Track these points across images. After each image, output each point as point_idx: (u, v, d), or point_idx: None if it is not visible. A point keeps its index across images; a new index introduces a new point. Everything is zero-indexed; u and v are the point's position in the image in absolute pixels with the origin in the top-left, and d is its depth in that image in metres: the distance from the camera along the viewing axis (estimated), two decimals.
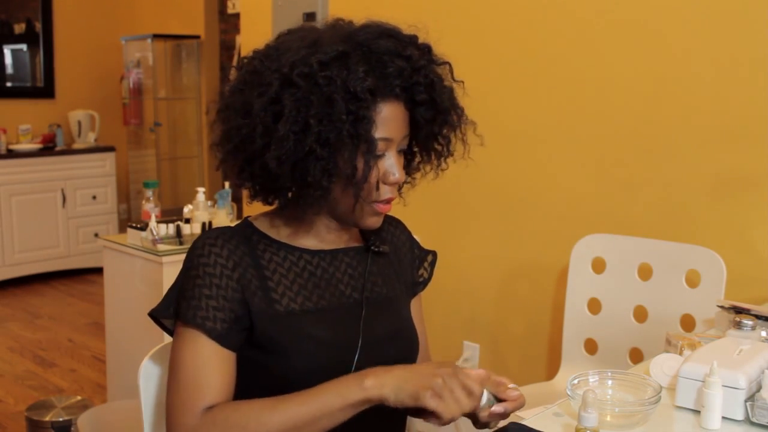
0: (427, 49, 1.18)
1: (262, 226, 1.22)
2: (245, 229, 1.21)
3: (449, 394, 1.02)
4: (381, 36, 1.14)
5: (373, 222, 1.19)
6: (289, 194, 1.18)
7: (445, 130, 1.21)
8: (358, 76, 1.08)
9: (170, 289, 1.17)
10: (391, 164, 1.15)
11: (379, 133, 1.12)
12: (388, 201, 1.18)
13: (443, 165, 1.26)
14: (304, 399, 1.04)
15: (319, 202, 1.14)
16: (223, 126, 1.16)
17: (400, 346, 1.25)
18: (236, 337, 1.13)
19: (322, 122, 1.07)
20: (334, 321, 1.18)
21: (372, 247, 1.27)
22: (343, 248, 1.25)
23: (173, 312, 1.15)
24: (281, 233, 1.21)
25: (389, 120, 1.13)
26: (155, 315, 1.18)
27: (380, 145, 1.13)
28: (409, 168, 1.27)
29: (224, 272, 1.13)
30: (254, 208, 1.25)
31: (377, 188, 1.15)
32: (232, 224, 3.11)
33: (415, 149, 1.25)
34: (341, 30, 1.16)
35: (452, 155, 1.26)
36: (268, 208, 1.26)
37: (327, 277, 1.21)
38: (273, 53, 1.14)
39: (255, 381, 1.15)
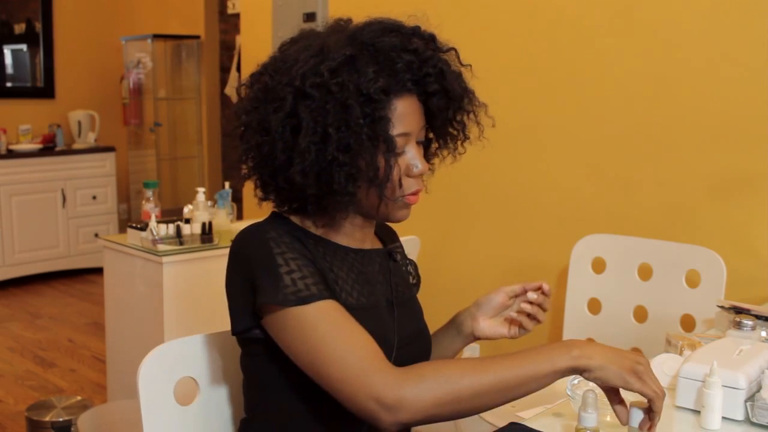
0: (431, 39, 1.19)
1: (298, 222, 1.21)
2: (285, 224, 1.19)
3: (650, 379, 1.04)
4: (384, 33, 1.14)
5: (403, 215, 1.20)
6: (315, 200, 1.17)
7: (459, 116, 1.22)
8: (369, 77, 1.08)
9: (266, 277, 1.09)
10: (412, 157, 1.16)
11: (396, 129, 1.12)
12: (416, 192, 1.19)
13: (460, 149, 1.27)
14: (515, 362, 1.05)
15: (346, 206, 1.15)
16: (243, 145, 1.16)
17: (422, 346, 1.27)
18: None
19: (341, 129, 1.08)
20: (378, 318, 1.19)
21: (391, 252, 1.30)
22: (373, 249, 1.27)
23: (284, 298, 1.07)
24: (317, 231, 1.21)
25: (405, 115, 1.14)
26: (277, 303, 1.07)
27: (399, 142, 1.14)
28: (427, 154, 1.27)
29: (302, 250, 1.13)
30: (257, 209, 1.24)
31: (400, 185, 1.15)
32: (232, 224, 3.09)
33: (431, 136, 1.26)
34: (343, 31, 1.16)
35: (468, 139, 1.26)
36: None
37: (368, 275, 1.22)
38: (281, 66, 1.13)
39: (291, 370, 1.11)
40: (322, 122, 1.07)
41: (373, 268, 1.24)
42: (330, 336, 1.06)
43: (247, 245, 1.13)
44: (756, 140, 2.04)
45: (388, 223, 1.35)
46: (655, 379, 1.05)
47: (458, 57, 1.23)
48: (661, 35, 2.21)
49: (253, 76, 1.18)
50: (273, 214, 1.22)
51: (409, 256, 1.41)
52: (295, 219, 1.21)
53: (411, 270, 1.39)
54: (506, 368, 1.04)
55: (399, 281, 1.29)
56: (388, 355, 1.13)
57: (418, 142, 1.19)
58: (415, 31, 1.18)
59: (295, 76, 1.09)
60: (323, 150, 1.08)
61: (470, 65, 1.25)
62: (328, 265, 1.16)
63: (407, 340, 1.21)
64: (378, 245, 1.30)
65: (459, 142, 1.27)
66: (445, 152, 1.28)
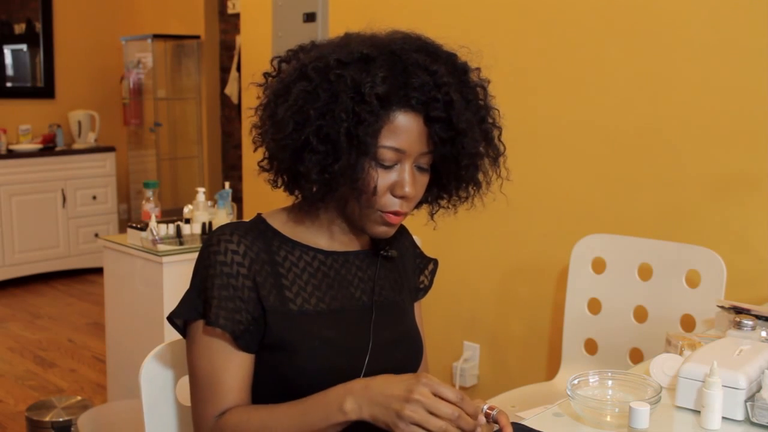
0: (462, 70, 1.16)
1: (275, 223, 1.21)
2: (259, 225, 1.20)
3: (426, 417, 0.97)
4: (418, 50, 1.12)
5: (381, 231, 1.17)
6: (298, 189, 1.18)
7: (462, 157, 1.15)
8: (374, 80, 1.06)
9: (190, 291, 1.16)
10: (402, 176, 1.12)
11: (388, 141, 1.09)
12: (397, 213, 1.14)
13: (470, 197, 1.25)
14: (293, 417, 1.05)
15: (316, 196, 1.14)
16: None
17: (406, 351, 1.26)
18: (253, 338, 1.13)
19: (325, 117, 1.07)
20: (344, 323, 1.18)
21: (382, 252, 1.27)
22: (355, 251, 1.25)
23: (201, 314, 1.13)
24: (295, 231, 1.21)
25: (402, 131, 1.10)
26: (178, 318, 1.16)
27: (389, 155, 1.10)
28: (440, 193, 1.26)
29: (240, 272, 1.12)
30: (257, 209, 1.24)
31: (375, 192, 1.11)
32: None
33: (445, 179, 1.22)
34: (380, 38, 1.14)
35: (478, 187, 1.24)
36: (278, 205, 1.26)
37: (339, 278, 1.21)
38: (311, 49, 1.16)
39: (263, 381, 1.15)
40: (309, 104, 1.08)
41: (349, 271, 1.22)
42: (201, 368, 1.12)
43: (200, 252, 1.17)
44: (756, 140, 2.04)
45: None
46: (432, 419, 0.96)
47: (485, 96, 1.19)
48: (661, 35, 2.21)
49: (291, 51, 1.20)
50: (258, 215, 1.23)
51: None
52: (274, 220, 1.21)
53: (427, 273, 1.39)
54: (286, 425, 1.05)
55: (386, 284, 1.27)
56: (360, 360, 1.14)
57: (420, 168, 1.14)
58: (447, 58, 1.15)
59: (310, 59, 1.11)
60: (300, 130, 1.09)
61: (497, 109, 1.20)
62: (284, 271, 1.16)
63: (386, 345, 1.19)
64: (367, 247, 1.27)
65: (471, 189, 1.23)
66: (462, 194, 1.25)
